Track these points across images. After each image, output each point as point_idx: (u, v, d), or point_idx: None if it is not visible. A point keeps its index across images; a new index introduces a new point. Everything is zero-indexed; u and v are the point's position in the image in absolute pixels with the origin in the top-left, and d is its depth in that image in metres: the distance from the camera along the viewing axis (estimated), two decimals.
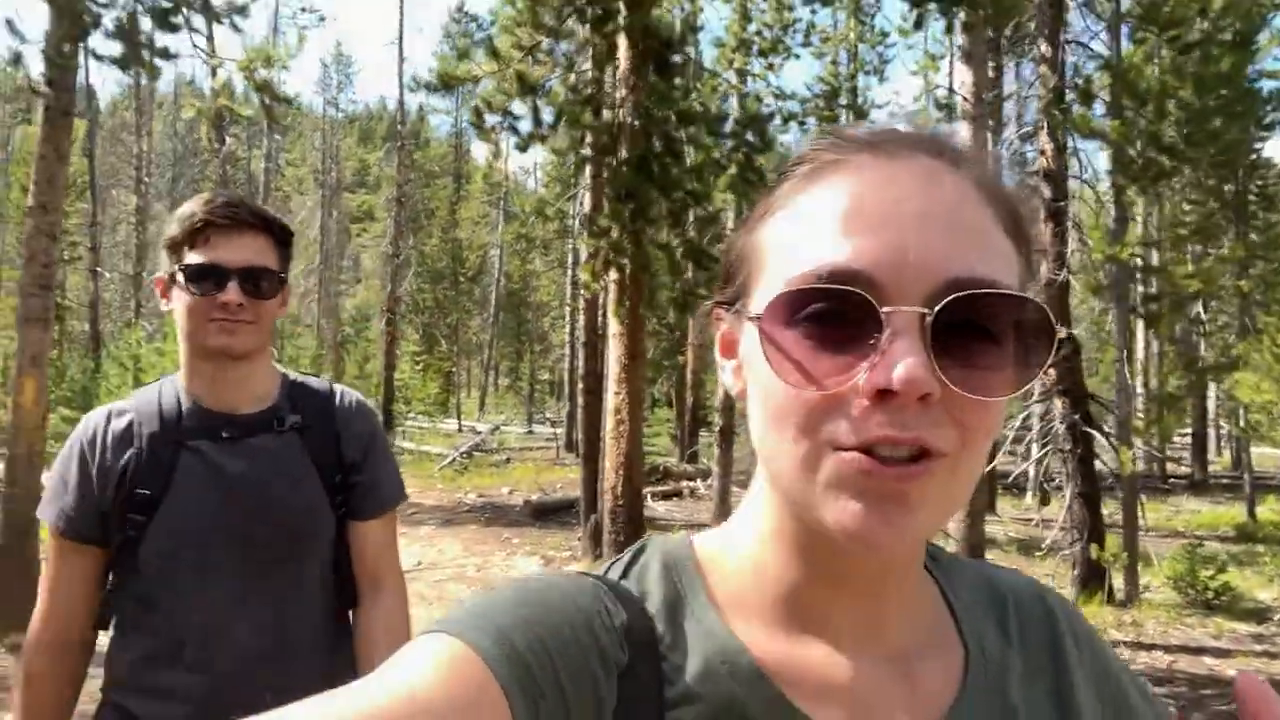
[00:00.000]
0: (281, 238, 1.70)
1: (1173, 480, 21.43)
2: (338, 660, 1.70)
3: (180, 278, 1.60)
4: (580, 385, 11.57)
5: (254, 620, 1.59)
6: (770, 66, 14.85)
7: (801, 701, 0.56)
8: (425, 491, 15.50)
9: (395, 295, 25.23)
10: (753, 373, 0.56)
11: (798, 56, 28.37)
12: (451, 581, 8.69)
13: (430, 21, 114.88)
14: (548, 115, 6.71)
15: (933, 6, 7.16)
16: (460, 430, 27.04)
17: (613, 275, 7.06)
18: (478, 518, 12.91)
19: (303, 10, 46.12)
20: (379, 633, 1.68)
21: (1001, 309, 0.52)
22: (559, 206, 14.92)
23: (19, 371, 6.35)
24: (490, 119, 6.68)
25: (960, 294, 0.50)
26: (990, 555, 9.68)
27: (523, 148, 6.90)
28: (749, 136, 7.15)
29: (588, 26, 6.59)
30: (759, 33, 14.52)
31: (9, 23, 7.01)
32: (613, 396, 7.48)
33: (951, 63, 10.78)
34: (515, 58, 6.60)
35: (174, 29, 6.11)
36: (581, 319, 11.00)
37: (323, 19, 38.09)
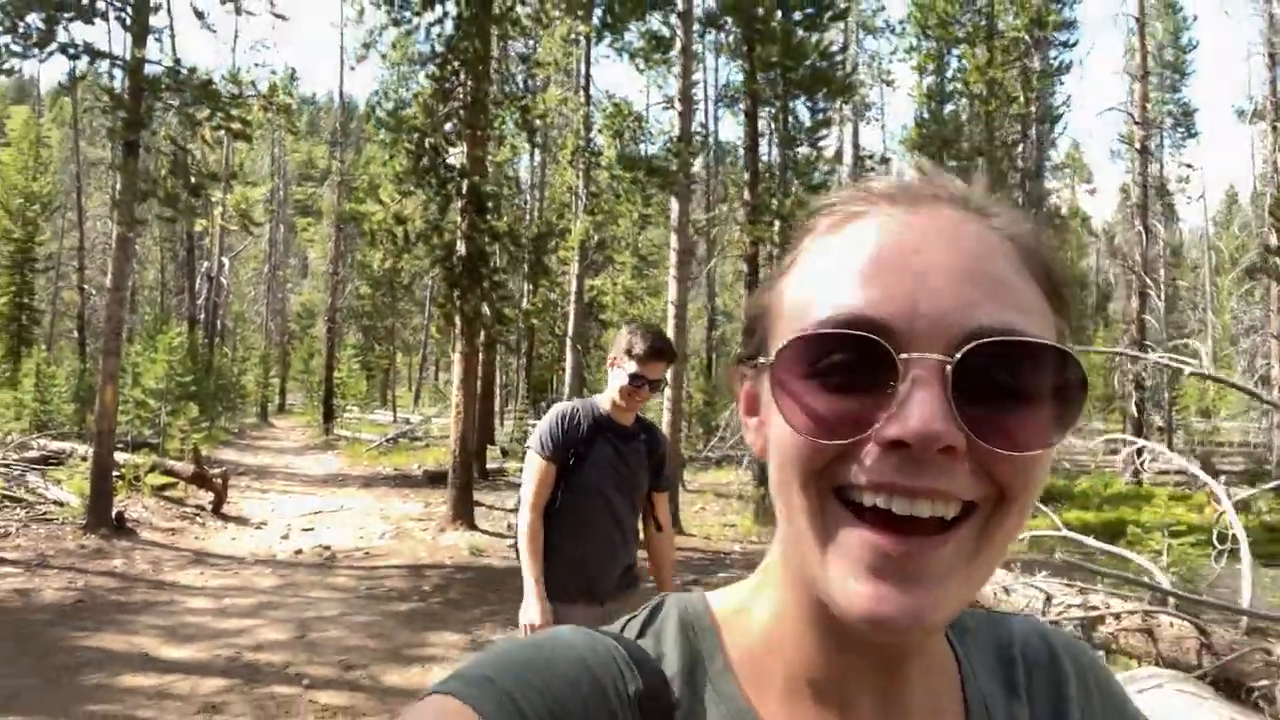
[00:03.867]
0: (672, 361, 3.44)
1: None
2: (636, 542, 3.60)
3: (625, 373, 3.32)
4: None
5: (616, 519, 3.47)
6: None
7: None
8: (354, 466, 20.28)
9: (335, 305, 29.74)
10: (769, 425, 0.54)
11: None
12: (363, 515, 13.50)
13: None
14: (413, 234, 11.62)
15: None
16: (395, 421, 31.59)
17: (458, 326, 11.92)
18: (388, 482, 17.71)
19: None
20: (666, 543, 3.70)
21: (1030, 359, 0.49)
22: None
23: (103, 382, 11.09)
24: (379, 235, 11.49)
25: (983, 341, 0.48)
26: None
27: (396, 257, 11.77)
28: (536, 245, 12.06)
29: (438, 185, 11.43)
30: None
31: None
32: (455, 397, 12.34)
33: None
34: (392, 202, 11.43)
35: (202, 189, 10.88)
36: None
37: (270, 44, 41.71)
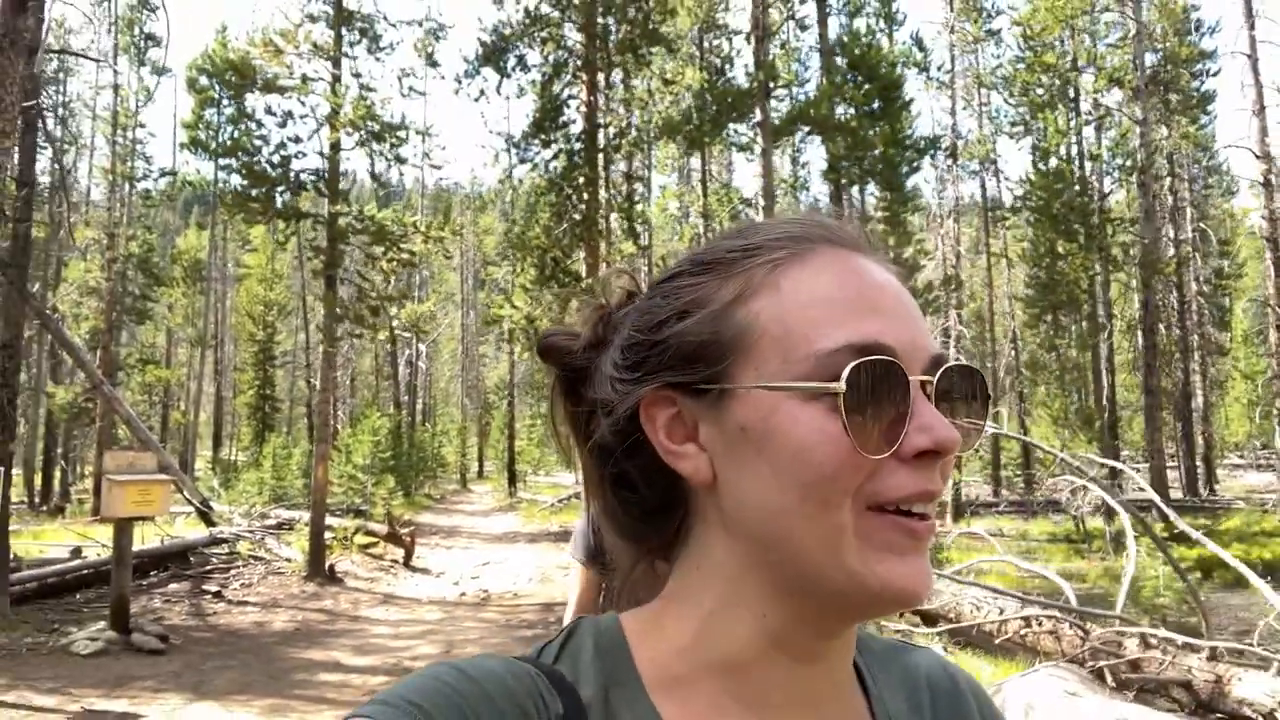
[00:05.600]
0: None
1: None
2: None
3: None
4: None
5: None
6: None
7: None
8: (527, 524, 23.16)
9: (512, 381, 33.41)
10: (768, 447, 0.56)
11: None
12: (521, 565, 16.06)
13: None
14: None
15: None
16: (576, 483, 34.75)
17: None
18: (549, 537, 20.33)
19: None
20: None
21: (969, 378, 0.59)
22: None
23: (315, 463, 14.30)
24: (515, 333, 14.22)
25: (949, 365, 0.58)
26: None
27: (529, 351, 14.36)
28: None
29: (558, 289, 14.06)
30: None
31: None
32: None
33: None
34: (525, 305, 14.16)
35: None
36: None
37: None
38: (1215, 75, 26.79)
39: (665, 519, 0.64)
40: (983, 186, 28.18)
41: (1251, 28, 20.58)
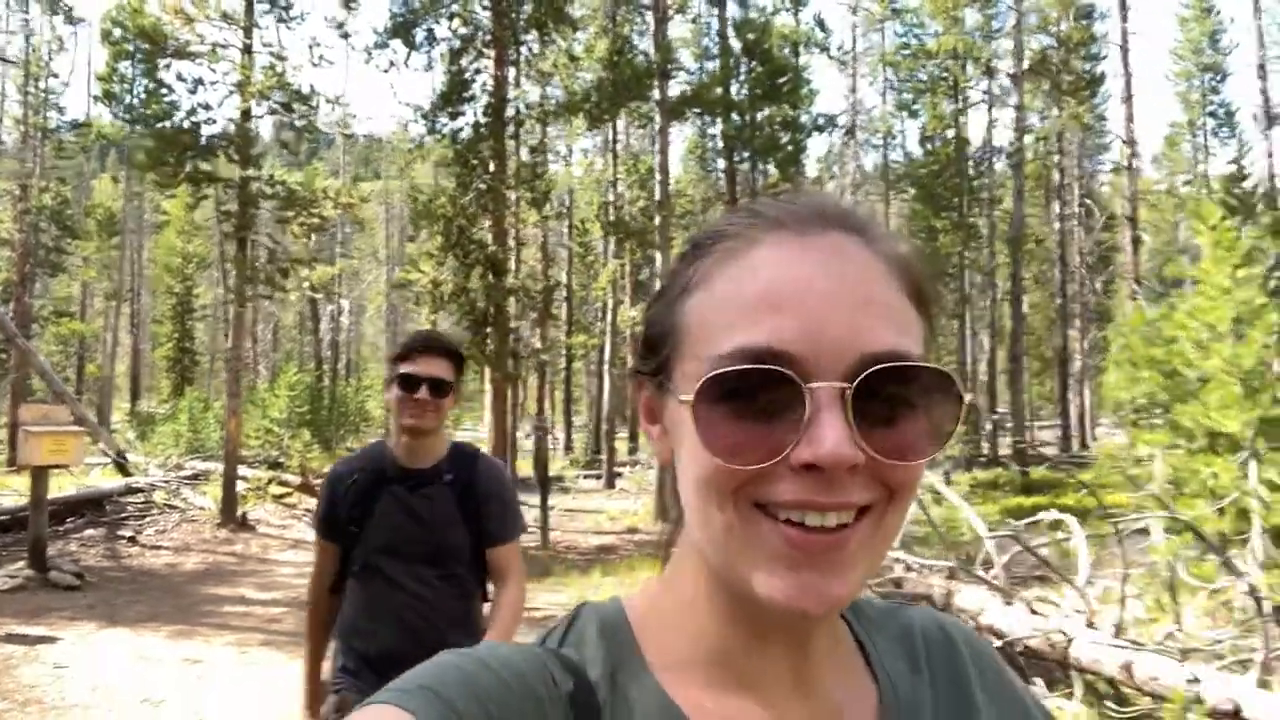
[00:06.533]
0: (456, 361, 2.60)
1: None
2: (476, 620, 2.65)
3: (394, 381, 2.52)
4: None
5: (419, 593, 2.54)
6: None
7: None
8: None
9: None
10: (681, 444, 0.58)
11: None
12: None
13: None
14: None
15: None
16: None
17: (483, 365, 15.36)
18: None
19: None
20: (503, 606, 2.61)
21: (914, 378, 0.55)
22: None
23: (228, 417, 15.05)
24: (422, 296, 15.12)
25: (876, 368, 0.53)
26: None
27: (434, 312, 15.34)
28: (544, 296, 15.31)
29: (462, 257, 14.93)
30: None
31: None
32: (487, 417, 15.75)
33: None
34: (431, 270, 14.99)
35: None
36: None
37: None
38: (1104, 59, 28.45)
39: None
40: (885, 160, 29.72)
41: (1124, 19, 22.14)
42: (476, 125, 15.24)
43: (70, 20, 28.15)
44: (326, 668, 2.72)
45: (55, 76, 27.51)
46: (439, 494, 2.58)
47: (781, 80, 16.27)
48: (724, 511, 0.55)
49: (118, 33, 24.97)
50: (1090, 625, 5.33)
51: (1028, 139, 31.11)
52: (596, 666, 0.61)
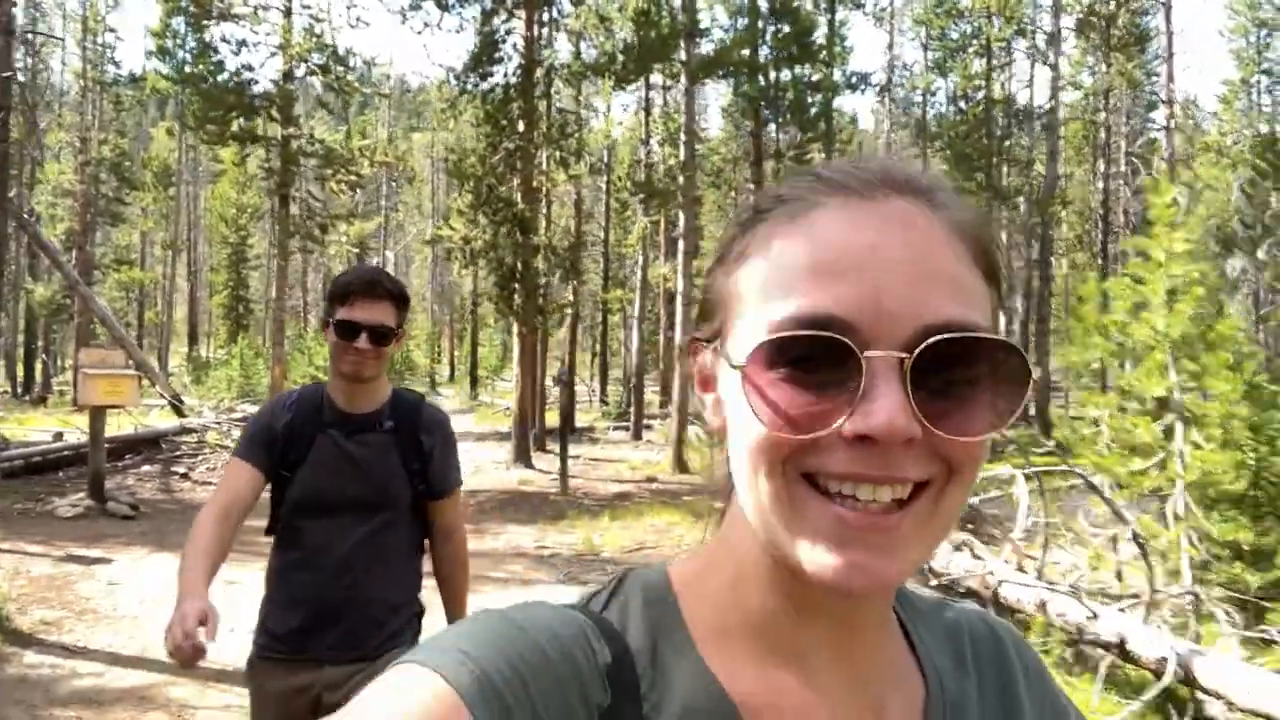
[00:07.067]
0: (400, 303, 2.43)
1: None
2: (415, 575, 2.56)
3: (332, 325, 2.36)
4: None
5: (354, 544, 2.42)
6: None
7: None
8: (480, 425, 25.08)
9: (476, 291, 35.01)
10: (733, 412, 0.57)
11: None
12: (461, 458, 17.99)
13: None
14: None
15: None
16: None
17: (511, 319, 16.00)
18: (495, 436, 22.23)
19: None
20: (448, 559, 2.62)
21: (978, 351, 0.52)
22: None
23: (273, 364, 15.98)
24: (454, 253, 15.76)
25: (937, 338, 0.51)
26: None
27: (464, 268, 16.00)
28: (571, 253, 15.81)
29: (492, 214, 15.50)
30: None
31: None
32: (515, 370, 16.50)
33: None
34: (462, 228, 15.62)
35: None
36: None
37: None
38: (1153, 15, 27.76)
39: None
40: (923, 118, 29.43)
41: None
42: (506, 86, 15.71)
43: None
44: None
45: (112, 31, 28.48)
46: (378, 441, 2.46)
47: (810, 40, 16.38)
48: (772, 481, 0.54)
49: None
50: (1020, 570, 5.85)
51: (1075, 95, 30.64)
52: (638, 636, 0.60)
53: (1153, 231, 5.87)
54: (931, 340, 0.51)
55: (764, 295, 0.55)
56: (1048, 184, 20.48)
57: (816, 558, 0.52)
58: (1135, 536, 4.56)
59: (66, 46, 30.84)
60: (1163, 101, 21.02)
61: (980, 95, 22.77)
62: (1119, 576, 5.65)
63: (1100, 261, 29.15)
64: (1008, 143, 22.88)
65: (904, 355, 0.51)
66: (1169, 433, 5.75)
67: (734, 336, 0.57)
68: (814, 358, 0.51)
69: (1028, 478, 6.11)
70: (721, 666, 0.59)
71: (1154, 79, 30.40)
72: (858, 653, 0.61)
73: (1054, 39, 20.77)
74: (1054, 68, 20.43)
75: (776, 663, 0.60)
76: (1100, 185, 29.99)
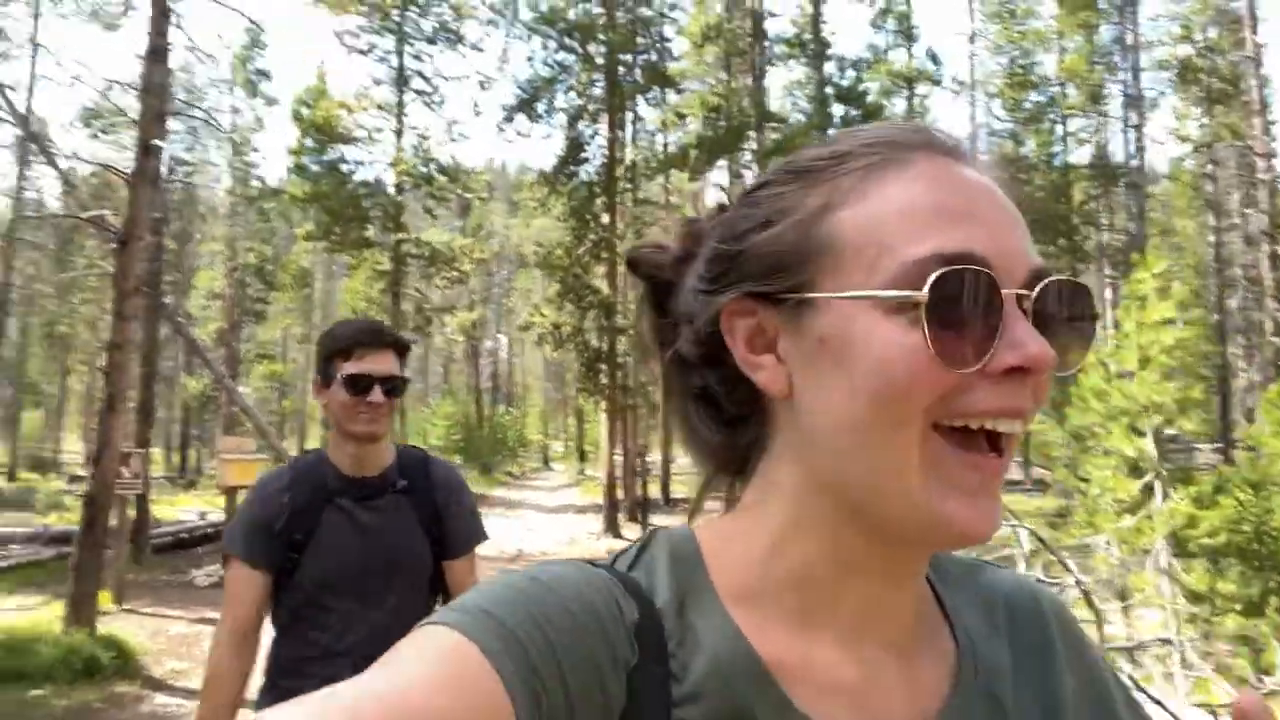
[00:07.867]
0: (403, 352, 2.27)
1: None
2: None
3: (339, 382, 2.16)
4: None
5: (374, 625, 2.14)
6: None
7: (804, 700, 0.57)
8: (584, 498, 26.15)
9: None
10: (840, 363, 0.54)
11: None
12: (561, 530, 18.99)
13: None
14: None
15: None
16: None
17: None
18: (597, 509, 23.20)
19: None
20: None
21: (1070, 293, 0.56)
22: None
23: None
24: (544, 336, 17.05)
25: (1051, 280, 0.54)
26: None
27: (554, 350, 17.19)
28: None
29: (577, 302, 16.78)
30: None
31: None
32: (603, 445, 17.47)
33: None
34: (551, 314, 16.91)
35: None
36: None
37: None
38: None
39: (742, 433, 0.63)
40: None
41: (1254, 30, 21.52)
42: (590, 184, 17.14)
43: (268, 101, 32.59)
44: None
45: (256, 150, 31.93)
46: (393, 504, 2.25)
47: (883, 117, 17.10)
48: (908, 429, 0.52)
49: (305, 111, 28.91)
50: None
51: (1183, 149, 30.07)
52: (664, 594, 0.59)
53: (1126, 305, 6.41)
54: (1048, 281, 0.54)
55: (893, 237, 0.54)
56: (1137, 243, 20.28)
57: (957, 505, 0.52)
58: (1078, 583, 4.99)
59: (219, 165, 34.70)
60: (1256, 155, 20.61)
61: (1059, 160, 22.79)
62: None
63: (1217, 317, 28.17)
64: (1087, 205, 22.76)
65: (1028, 294, 0.53)
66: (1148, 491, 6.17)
67: (835, 284, 0.55)
68: (955, 297, 0.52)
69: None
70: (749, 625, 0.58)
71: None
72: (892, 610, 0.61)
73: (1134, 101, 20.78)
74: (1137, 128, 20.40)
75: (807, 621, 0.59)
76: (1212, 239, 29.14)
